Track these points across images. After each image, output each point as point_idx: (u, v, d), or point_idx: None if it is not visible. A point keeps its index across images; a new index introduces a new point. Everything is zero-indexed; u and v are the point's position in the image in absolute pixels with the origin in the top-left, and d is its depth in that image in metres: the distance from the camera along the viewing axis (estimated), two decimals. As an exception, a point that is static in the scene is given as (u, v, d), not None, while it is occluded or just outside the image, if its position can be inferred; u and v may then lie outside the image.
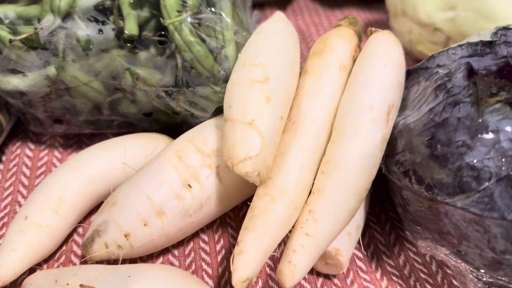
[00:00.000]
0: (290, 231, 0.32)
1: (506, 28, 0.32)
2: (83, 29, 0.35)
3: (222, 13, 0.38)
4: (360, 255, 0.37)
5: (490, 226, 0.27)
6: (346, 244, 0.34)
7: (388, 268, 0.36)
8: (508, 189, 0.26)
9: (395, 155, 0.33)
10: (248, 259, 0.29)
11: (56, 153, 0.43)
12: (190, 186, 0.33)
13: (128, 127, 0.42)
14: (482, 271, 0.30)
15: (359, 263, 0.37)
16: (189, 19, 0.34)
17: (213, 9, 0.37)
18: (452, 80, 0.31)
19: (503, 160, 0.26)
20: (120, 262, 0.32)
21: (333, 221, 0.31)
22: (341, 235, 0.34)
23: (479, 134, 0.28)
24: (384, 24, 0.64)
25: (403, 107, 0.35)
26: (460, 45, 0.33)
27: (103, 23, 0.35)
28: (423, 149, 0.30)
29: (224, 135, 0.33)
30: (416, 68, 0.37)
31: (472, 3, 0.47)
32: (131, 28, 0.35)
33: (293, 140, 0.34)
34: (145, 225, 0.32)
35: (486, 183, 0.27)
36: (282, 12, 0.61)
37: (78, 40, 0.34)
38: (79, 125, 0.41)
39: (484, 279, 0.30)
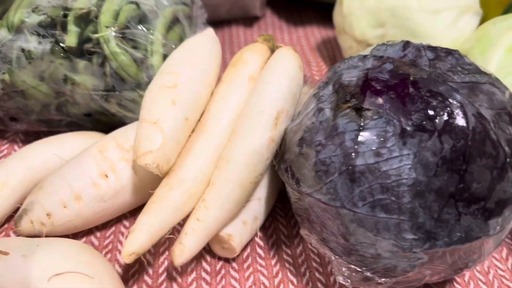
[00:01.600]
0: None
1: (383, 44, 0.37)
2: (29, 42, 0.41)
3: (152, 30, 0.44)
4: (261, 243, 0.41)
5: (336, 214, 0.31)
6: (239, 231, 0.39)
7: (284, 256, 0.40)
8: (346, 181, 0.30)
9: (282, 154, 0.38)
10: (137, 236, 0.34)
11: (16, 147, 0.49)
12: (107, 176, 0.39)
13: (75, 126, 0.48)
14: (343, 257, 0.34)
15: (259, 250, 0.41)
16: (113, 34, 0.40)
17: (142, 26, 0.43)
18: (324, 89, 0.35)
19: (344, 157, 0.31)
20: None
21: (220, 208, 0.36)
22: (235, 222, 0.39)
23: (331, 135, 0.32)
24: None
25: (297, 113, 0.39)
26: (345, 60, 0.38)
27: (44, 36, 0.41)
28: (295, 148, 0.35)
29: (136, 133, 0.38)
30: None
31: (398, 21, 0.51)
32: (70, 41, 0.42)
33: (199, 138, 0.39)
34: (64, 207, 0.38)
35: (332, 177, 0.31)
36: (248, 28, 0.67)
37: (23, 50, 0.41)
38: (33, 123, 0.47)
39: (346, 267, 0.34)
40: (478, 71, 0.32)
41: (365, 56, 0.36)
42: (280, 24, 0.74)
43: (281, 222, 0.43)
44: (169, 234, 0.37)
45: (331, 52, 0.67)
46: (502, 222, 0.30)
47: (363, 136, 0.30)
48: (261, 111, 0.37)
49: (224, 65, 0.63)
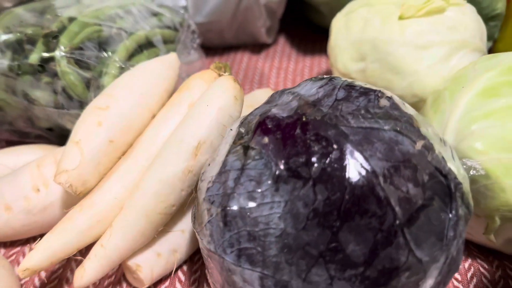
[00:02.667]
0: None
1: (310, 79, 0.34)
2: (-4, 57, 0.44)
3: (109, 52, 0.45)
4: (183, 278, 0.40)
5: (213, 259, 0.29)
6: (151, 262, 0.37)
7: (200, 295, 0.38)
8: (220, 224, 0.28)
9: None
10: (35, 253, 0.34)
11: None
12: (39, 190, 0.40)
13: (43, 139, 0.50)
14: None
15: (178, 285, 0.39)
16: (62, 54, 0.42)
17: (101, 48, 0.44)
18: (236, 123, 0.33)
19: (223, 197, 0.28)
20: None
21: (123, 236, 0.35)
22: (147, 253, 0.37)
23: (220, 171, 0.30)
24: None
25: (224, 144, 0.37)
26: (275, 92, 0.35)
27: (13, 53, 0.44)
28: (199, 182, 0.33)
29: (64, 151, 0.39)
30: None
31: (379, 55, 0.48)
32: (33, 58, 0.44)
33: (124, 163, 0.38)
34: (-6, 215, 0.40)
35: (211, 217, 0.29)
36: (254, 54, 0.66)
37: (-10, 66, 0.44)
38: (5, 133, 0.50)
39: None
40: (386, 116, 0.28)
41: (283, 91, 0.33)
42: (290, 52, 0.72)
43: (211, 258, 0.41)
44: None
45: (330, 83, 0.63)
46: (391, 294, 0.26)
47: (243, 176, 0.28)
48: (180, 140, 0.36)
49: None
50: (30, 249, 0.42)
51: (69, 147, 0.37)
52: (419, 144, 0.27)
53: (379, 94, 0.30)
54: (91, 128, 0.38)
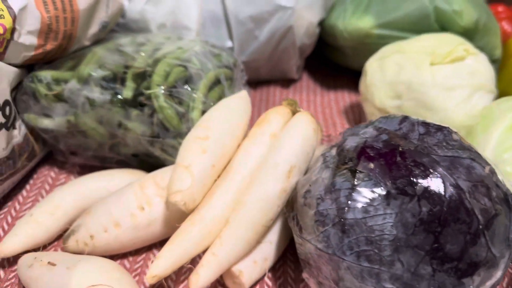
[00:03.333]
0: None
1: (386, 117, 0.42)
2: (93, 92, 0.50)
3: (194, 89, 0.52)
4: (270, 283, 0.46)
5: (329, 260, 0.36)
6: (250, 269, 0.44)
7: (288, 297, 0.45)
8: (338, 232, 0.35)
9: (292, 204, 0.43)
10: (160, 262, 0.40)
11: (72, 177, 0.58)
12: (143, 209, 0.46)
13: (123, 164, 0.56)
14: (334, 300, 0.38)
15: (266, 289, 0.46)
16: (162, 91, 0.49)
17: (188, 85, 0.52)
18: (329, 151, 0.41)
19: (338, 210, 0.36)
20: (85, 256, 0.45)
21: (233, 246, 0.42)
22: (246, 260, 0.44)
23: (329, 190, 0.37)
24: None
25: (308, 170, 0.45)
26: (353, 127, 0.44)
27: (106, 88, 0.50)
28: (301, 199, 0.40)
29: (171, 174, 0.45)
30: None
31: (413, 94, 0.57)
32: (127, 94, 0.50)
33: (222, 183, 0.45)
34: (105, 231, 0.45)
35: (326, 227, 0.36)
36: (285, 88, 0.75)
37: (88, 98, 0.50)
38: (89, 159, 0.56)
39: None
40: (461, 147, 0.37)
41: (367, 126, 0.42)
42: (314, 87, 0.81)
43: (290, 266, 0.48)
44: (189, 264, 0.43)
45: (357, 116, 0.73)
46: (475, 282, 0.34)
47: (355, 194, 0.36)
48: (276, 164, 0.43)
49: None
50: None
51: (179, 171, 0.44)
52: (487, 169, 0.36)
53: (450, 130, 0.39)
54: (197, 155, 0.45)
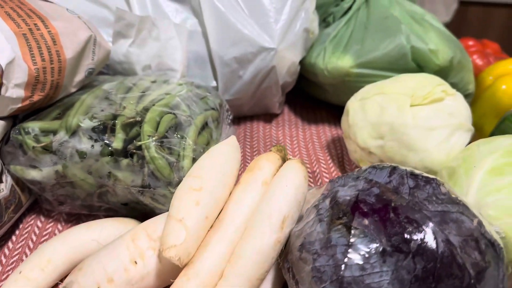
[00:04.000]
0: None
1: (374, 167, 0.44)
2: (82, 143, 0.50)
3: (185, 137, 0.52)
4: (264, 333, 0.47)
5: (327, 316, 0.37)
6: (245, 321, 0.44)
7: None
8: (336, 289, 0.36)
9: (286, 254, 0.44)
10: (158, 320, 0.40)
11: (59, 226, 0.57)
12: (136, 263, 0.46)
13: (112, 211, 0.55)
14: None
15: None
16: (153, 142, 0.49)
17: (177, 134, 0.52)
18: (323, 202, 0.42)
19: (335, 267, 0.37)
20: (77, 314, 0.44)
21: (230, 300, 0.42)
22: (242, 313, 0.44)
23: (325, 246, 0.38)
24: (348, 141, 0.76)
25: (300, 218, 0.46)
26: (342, 176, 0.45)
27: (95, 139, 0.50)
28: (297, 252, 0.41)
29: (164, 227, 0.45)
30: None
31: (396, 135, 0.59)
32: (117, 144, 0.50)
33: (216, 234, 0.46)
34: (98, 287, 0.45)
35: (324, 283, 0.37)
36: (267, 123, 0.75)
37: (77, 150, 0.50)
38: (77, 207, 0.55)
39: None
40: (450, 201, 0.39)
41: (358, 177, 0.43)
42: (296, 120, 0.83)
43: (284, 314, 0.49)
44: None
45: (339, 151, 0.74)
46: (469, 334, 0.36)
47: (351, 250, 0.37)
48: (269, 215, 0.44)
49: (244, 158, 0.71)
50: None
51: (173, 224, 0.44)
52: (475, 221, 0.38)
53: (438, 182, 0.41)
54: (191, 207, 0.45)
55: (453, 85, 0.73)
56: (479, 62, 0.84)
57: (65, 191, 0.53)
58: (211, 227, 0.47)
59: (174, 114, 0.53)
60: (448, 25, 1.11)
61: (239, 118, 0.82)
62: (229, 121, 0.67)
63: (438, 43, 0.70)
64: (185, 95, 0.59)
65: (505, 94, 0.73)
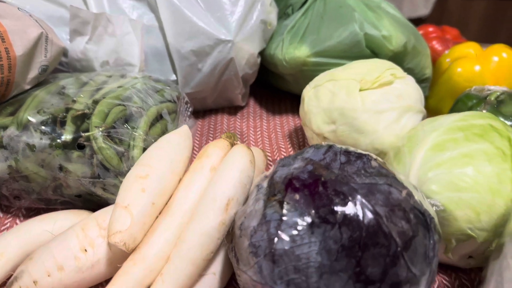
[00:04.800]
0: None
1: (312, 147, 0.45)
2: (33, 137, 0.51)
3: (135, 127, 0.53)
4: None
5: (263, 290, 0.38)
6: (193, 302, 0.45)
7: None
8: (269, 263, 0.37)
9: (231, 235, 0.45)
10: (102, 304, 0.41)
11: (18, 221, 0.58)
12: (86, 251, 0.47)
13: (68, 204, 0.56)
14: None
15: (212, 320, 0.47)
16: (100, 133, 0.50)
17: (127, 125, 0.53)
18: (263, 182, 0.43)
19: (268, 241, 0.38)
20: (28, 303, 0.45)
21: (175, 282, 0.43)
22: (190, 294, 0.45)
23: (261, 222, 0.39)
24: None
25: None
26: (284, 157, 0.46)
27: (45, 133, 0.51)
28: (238, 231, 0.42)
29: (111, 214, 0.46)
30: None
31: (346, 120, 0.60)
32: (66, 137, 0.51)
33: (163, 220, 0.47)
34: (48, 276, 0.45)
35: (259, 258, 0.38)
36: (232, 116, 0.76)
37: (27, 144, 0.50)
38: (33, 201, 0.56)
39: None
40: (379, 173, 0.40)
41: (296, 157, 0.44)
42: (260, 112, 0.84)
43: (236, 294, 0.50)
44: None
45: (301, 139, 0.75)
46: (398, 301, 0.37)
47: (283, 225, 0.38)
48: (214, 198, 0.45)
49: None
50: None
51: (119, 211, 0.45)
52: (404, 192, 0.39)
53: (369, 157, 0.42)
54: (137, 194, 0.46)
55: (410, 70, 0.74)
56: (438, 47, 0.85)
57: (20, 186, 0.54)
58: (160, 213, 0.48)
59: (124, 105, 0.54)
60: (429, 17, 1.13)
61: (204, 111, 0.83)
62: (189, 113, 0.68)
63: (391, 29, 0.71)
64: (139, 87, 0.60)
65: (460, 77, 0.75)
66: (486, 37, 2.45)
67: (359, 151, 0.43)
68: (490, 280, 0.42)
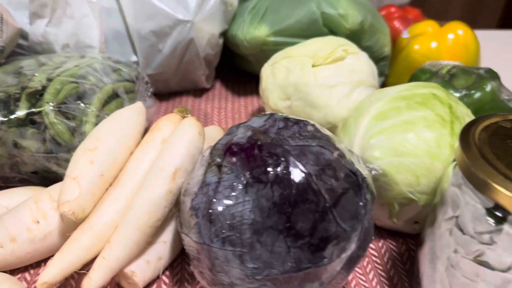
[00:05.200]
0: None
1: (257, 116, 0.46)
2: (-14, 114, 0.52)
3: (87, 104, 0.54)
4: (167, 281, 0.49)
5: (202, 250, 0.40)
6: (142, 268, 0.46)
7: (184, 291, 0.48)
8: (207, 223, 0.39)
9: (177, 203, 0.46)
10: (50, 269, 0.42)
11: (-23, 201, 0.58)
12: (38, 222, 0.48)
13: (26, 182, 0.57)
14: (213, 287, 0.41)
15: (163, 287, 0.48)
16: (51, 108, 0.51)
17: (81, 101, 0.54)
18: (207, 151, 0.45)
19: (206, 203, 0.39)
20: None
21: (122, 248, 0.45)
22: (139, 261, 0.47)
23: (201, 186, 0.41)
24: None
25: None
26: (230, 127, 0.47)
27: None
28: (182, 196, 0.43)
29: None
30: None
31: (300, 95, 0.62)
32: (20, 113, 0.52)
33: (113, 191, 0.48)
34: (1, 247, 0.47)
35: (198, 219, 0.40)
36: (197, 98, 0.78)
37: (-19, 121, 0.51)
38: (-9, 180, 0.57)
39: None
40: (312, 136, 0.41)
41: (239, 126, 0.46)
42: (226, 94, 0.85)
43: (188, 262, 0.51)
44: (85, 270, 0.45)
45: (263, 118, 0.77)
46: (328, 255, 0.38)
47: (220, 187, 0.39)
48: (161, 168, 0.46)
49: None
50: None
51: (67, 182, 0.46)
52: (335, 153, 0.41)
53: (306, 123, 0.43)
54: (85, 166, 0.47)
55: (368, 48, 0.76)
56: (399, 27, 0.87)
57: (-24, 164, 0.55)
58: (111, 185, 0.49)
59: (77, 83, 0.55)
60: (409, 5, 1.15)
61: (169, 94, 0.84)
62: (149, 93, 0.69)
63: (347, 8, 0.72)
64: (97, 66, 0.61)
65: (417, 54, 0.77)
66: (468, 24, 2.48)
67: (298, 118, 0.45)
68: (426, 241, 0.44)
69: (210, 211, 0.39)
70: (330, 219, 0.38)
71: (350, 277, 0.50)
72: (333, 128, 0.62)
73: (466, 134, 0.40)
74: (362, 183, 0.41)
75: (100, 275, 0.44)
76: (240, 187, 0.38)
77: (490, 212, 0.36)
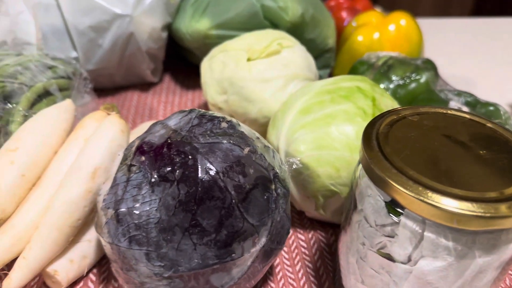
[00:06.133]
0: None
1: (177, 113, 0.47)
2: None
3: (14, 104, 0.54)
4: (94, 278, 0.49)
5: (112, 250, 0.40)
6: (65, 267, 0.47)
7: (110, 288, 0.48)
8: (114, 222, 0.39)
9: (99, 202, 0.46)
10: (-35, 272, 0.42)
11: None
12: (-40, 224, 0.47)
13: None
14: (126, 286, 0.42)
15: (90, 284, 0.49)
16: (-28, 109, 0.50)
17: (7, 101, 0.53)
18: (123, 151, 0.45)
19: (115, 203, 0.40)
20: None
21: (41, 248, 0.45)
22: (61, 260, 0.47)
23: (112, 186, 0.41)
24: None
25: (117, 168, 0.49)
26: (151, 124, 0.48)
27: None
28: (97, 197, 0.43)
29: (-18, 188, 0.47)
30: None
31: (235, 89, 0.62)
32: None
33: (35, 191, 0.48)
34: None
35: (107, 219, 0.40)
36: (144, 92, 0.77)
37: None
38: None
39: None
40: (223, 133, 0.42)
41: (156, 123, 0.46)
42: (174, 88, 0.85)
43: (116, 259, 0.51)
44: (5, 271, 0.45)
45: (208, 112, 0.77)
46: (237, 250, 0.39)
47: (128, 186, 0.39)
48: (79, 167, 0.46)
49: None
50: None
51: (-13, 184, 0.46)
52: (246, 150, 0.41)
53: (221, 119, 0.44)
54: (5, 166, 0.47)
55: (311, 41, 0.76)
56: (347, 17, 0.87)
57: None
58: (34, 186, 0.49)
59: (3, 82, 0.54)
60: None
61: (115, 89, 0.83)
62: (88, 89, 0.68)
63: (287, 0, 0.72)
64: (30, 64, 0.60)
65: (360, 45, 0.78)
66: (439, 13, 2.50)
67: (216, 114, 0.45)
68: (341, 233, 0.45)
69: (117, 211, 0.39)
70: (237, 215, 0.39)
71: (277, 269, 0.51)
72: (268, 122, 0.62)
73: (370, 128, 0.40)
74: (273, 178, 0.42)
75: (20, 275, 0.44)
76: (147, 186, 0.39)
77: (388, 205, 0.37)
